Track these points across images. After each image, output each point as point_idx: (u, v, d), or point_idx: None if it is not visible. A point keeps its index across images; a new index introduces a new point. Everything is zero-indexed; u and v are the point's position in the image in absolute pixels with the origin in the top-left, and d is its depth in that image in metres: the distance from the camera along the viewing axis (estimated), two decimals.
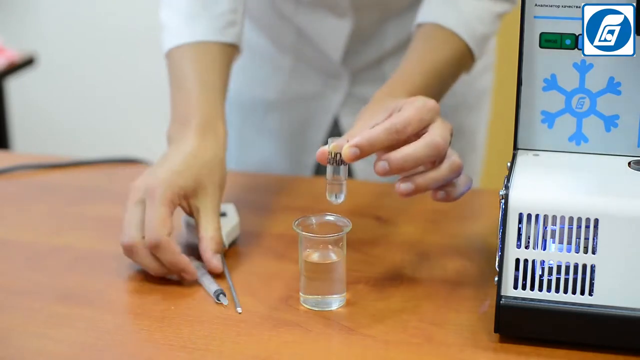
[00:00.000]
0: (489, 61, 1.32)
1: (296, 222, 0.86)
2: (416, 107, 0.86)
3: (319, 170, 1.29)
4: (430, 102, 0.87)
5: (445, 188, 0.88)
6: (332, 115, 1.26)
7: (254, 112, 1.29)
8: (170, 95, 1.01)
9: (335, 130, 1.28)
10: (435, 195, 0.88)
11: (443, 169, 0.86)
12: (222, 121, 0.99)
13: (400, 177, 0.86)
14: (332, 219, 0.87)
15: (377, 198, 1.13)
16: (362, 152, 0.84)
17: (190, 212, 0.95)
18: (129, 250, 0.90)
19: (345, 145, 0.84)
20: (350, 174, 1.27)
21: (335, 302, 0.86)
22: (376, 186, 1.18)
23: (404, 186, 0.85)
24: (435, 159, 0.86)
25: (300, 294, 0.87)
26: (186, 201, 0.94)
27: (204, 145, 0.95)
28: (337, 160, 0.85)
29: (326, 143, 1.23)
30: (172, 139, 0.98)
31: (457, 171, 0.87)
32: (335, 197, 0.86)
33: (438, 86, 1.01)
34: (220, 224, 0.94)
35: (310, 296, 0.86)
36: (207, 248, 0.92)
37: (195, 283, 0.91)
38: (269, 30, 1.25)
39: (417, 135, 0.86)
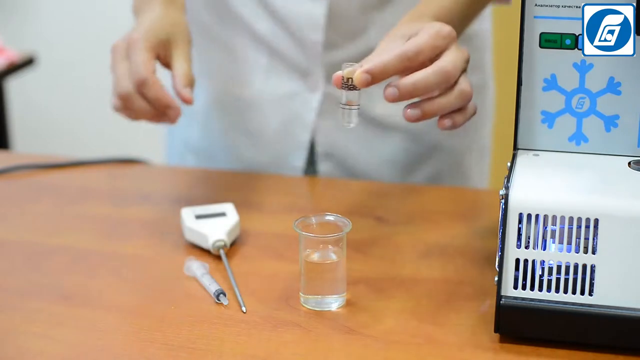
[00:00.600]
0: (482, 82, 1.30)
1: (296, 222, 0.86)
2: (430, 33, 0.87)
3: (308, 172, 1.27)
4: (445, 29, 0.88)
5: (452, 115, 0.89)
6: (316, 115, 1.23)
7: (236, 112, 1.26)
8: None
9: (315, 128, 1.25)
10: (442, 122, 0.89)
11: (452, 96, 0.87)
12: None
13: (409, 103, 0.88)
14: (332, 219, 0.87)
15: (377, 198, 1.13)
16: (374, 78, 0.85)
17: (166, 62, 1.04)
18: (125, 99, 0.99)
19: (357, 71, 0.85)
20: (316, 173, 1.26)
21: (336, 302, 0.86)
22: (376, 186, 1.18)
23: (411, 112, 0.87)
24: (445, 86, 0.87)
25: (301, 294, 0.87)
26: (162, 52, 1.03)
27: (167, 12, 1.06)
28: (350, 85, 0.86)
29: (312, 143, 1.22)
30: (138, 11, 1.09)
31: (467, 99, 0.88)
32: (348, 122, 0.87)
33: (466, 8, 1.02)
34: (191, 68, 1.03)
35: (310, 296, 0.86)
36: (179, 81, 1.00)
37: (196, 283, 0.91)
38: (245, 20, 1.22)
39: (430, 61, 0.87)
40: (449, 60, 0.87)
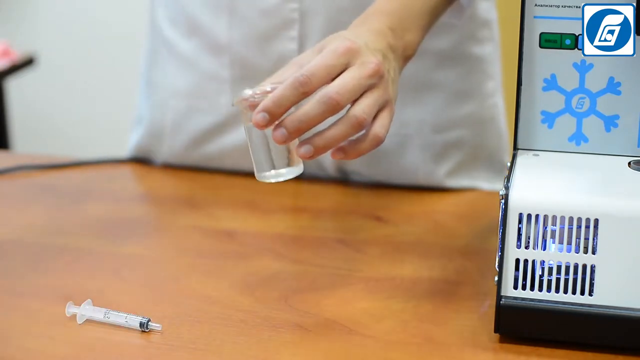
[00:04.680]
0: (480, 116, 1.18)
1: (235, 100, 0.79)
2: (323, 54, 0.78)
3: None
4: (343, 45, 0.78)
5: (344, 146, 0.80)
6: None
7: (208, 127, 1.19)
8: None
9: None
10: (334, 155, 0.80)
11: (339, 126, 0.78)
12: None
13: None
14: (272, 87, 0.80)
15: (377, 198, 1.13)
16: (273, 116, 0.76)
17: None
18: None
19: (254, 113, 0.77)
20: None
21: (293, 171, 0.81)
22: (376, 186, 1.18)
23: (303, 150, 0.78)
24: (333, 114, 0.78)
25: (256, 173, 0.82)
26: None
27: None
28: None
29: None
30: None
31: (357, 126, 0.78)
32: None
33: (422, 16, 0.92)
34: None
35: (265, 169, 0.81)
36: None
37: (196, 283, 0.91)
38: (206, 26, 1.14)
39: (332, 79, 0.78)
40: (337, 84, 0.77)
